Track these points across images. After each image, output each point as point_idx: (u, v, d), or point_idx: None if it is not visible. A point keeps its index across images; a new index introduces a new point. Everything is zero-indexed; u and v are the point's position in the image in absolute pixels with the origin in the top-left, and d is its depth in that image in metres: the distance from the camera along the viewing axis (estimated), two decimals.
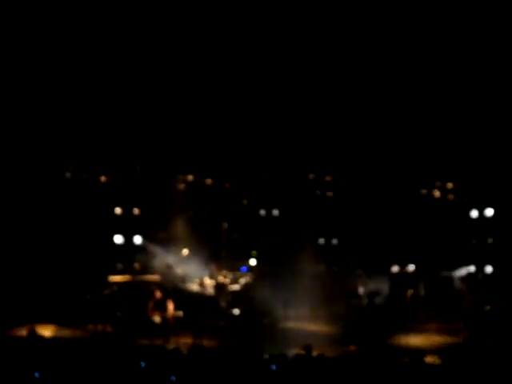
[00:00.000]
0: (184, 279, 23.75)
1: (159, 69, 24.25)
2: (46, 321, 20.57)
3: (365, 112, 25.04)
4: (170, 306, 20.47)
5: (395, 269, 24.58)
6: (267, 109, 25.19)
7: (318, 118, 25.14)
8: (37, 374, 14.18)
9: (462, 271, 23.82)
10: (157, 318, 20.26)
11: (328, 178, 27.02)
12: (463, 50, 23.52)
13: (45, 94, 23.86)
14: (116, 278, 23.43)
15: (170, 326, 20.34)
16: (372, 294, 23.27)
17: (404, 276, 24.45)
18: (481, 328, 20.85)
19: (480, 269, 23.75)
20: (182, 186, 26.95)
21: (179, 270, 24.17)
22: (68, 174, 25.56)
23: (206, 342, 19.62)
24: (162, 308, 20.46)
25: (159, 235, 25.70)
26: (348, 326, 22.65)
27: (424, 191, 25.81)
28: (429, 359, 17.26)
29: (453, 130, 23.90)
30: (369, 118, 24.98)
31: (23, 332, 18.22)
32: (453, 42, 23.58)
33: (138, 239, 25.40)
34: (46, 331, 19.64)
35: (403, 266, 24.59)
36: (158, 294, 20.62)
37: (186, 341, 19.70)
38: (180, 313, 20.82)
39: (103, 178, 25.80)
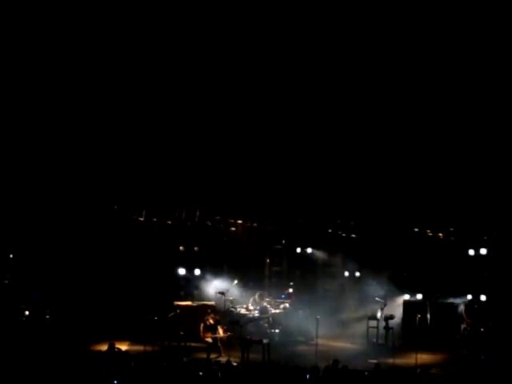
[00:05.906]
0: (234, 304, 26.91)
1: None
2: (122, 338, 23.81)
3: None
4: (221, 329, 24.32)
5: (406, 297, 27.65)
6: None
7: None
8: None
9: (462, 299, 26.62)
10: (208, 339, 24.06)
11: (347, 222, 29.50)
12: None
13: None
14: (179, 303, 26.33)
15: (221, 344, 24.05)
16: (387, 318, 26.32)
17: (413, 303, 27.43)
18: (476, 346, 24.20)
19: (476, 297, 26.41)
20: (232, 229, 30.14)
21: (230, 297, 27.12)
22: (141, 218, 28.48)
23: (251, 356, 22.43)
24: (213, 330, 24.13)
25: (214, 268, 28.63)
26: (368, 343, 26.72)
27: (430, 233, 28.18)
28: (433, 371, 20.52)
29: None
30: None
31: (103, 347, 20.58)
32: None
33: (197, 271, 28.22)
34: (123, 346, 22.28)
35: (413, 295, 27.68)
36: (210, 320, 24.41)
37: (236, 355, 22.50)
38: (229, 333, 24.56)
39: (169, 222, 28.76)
